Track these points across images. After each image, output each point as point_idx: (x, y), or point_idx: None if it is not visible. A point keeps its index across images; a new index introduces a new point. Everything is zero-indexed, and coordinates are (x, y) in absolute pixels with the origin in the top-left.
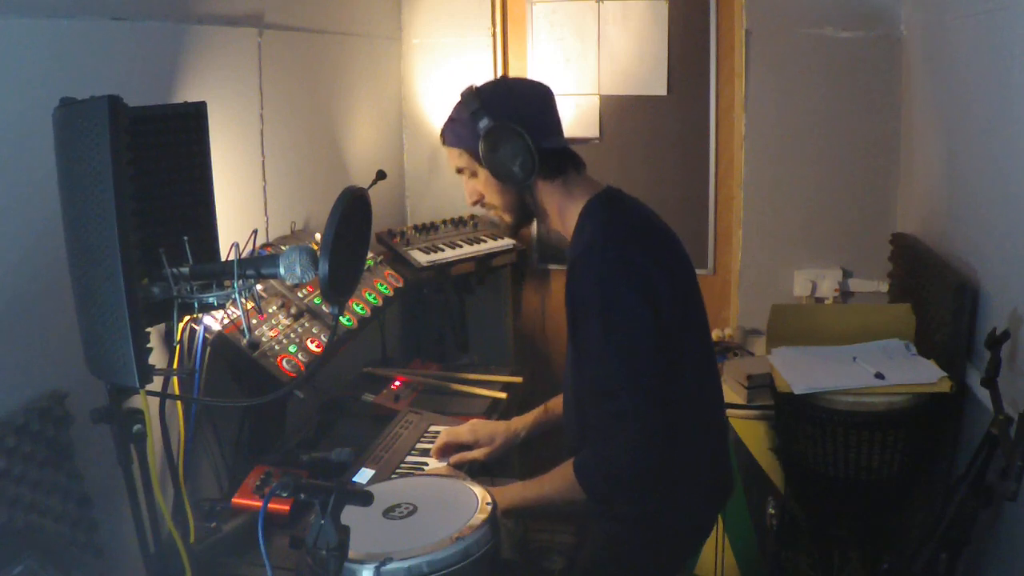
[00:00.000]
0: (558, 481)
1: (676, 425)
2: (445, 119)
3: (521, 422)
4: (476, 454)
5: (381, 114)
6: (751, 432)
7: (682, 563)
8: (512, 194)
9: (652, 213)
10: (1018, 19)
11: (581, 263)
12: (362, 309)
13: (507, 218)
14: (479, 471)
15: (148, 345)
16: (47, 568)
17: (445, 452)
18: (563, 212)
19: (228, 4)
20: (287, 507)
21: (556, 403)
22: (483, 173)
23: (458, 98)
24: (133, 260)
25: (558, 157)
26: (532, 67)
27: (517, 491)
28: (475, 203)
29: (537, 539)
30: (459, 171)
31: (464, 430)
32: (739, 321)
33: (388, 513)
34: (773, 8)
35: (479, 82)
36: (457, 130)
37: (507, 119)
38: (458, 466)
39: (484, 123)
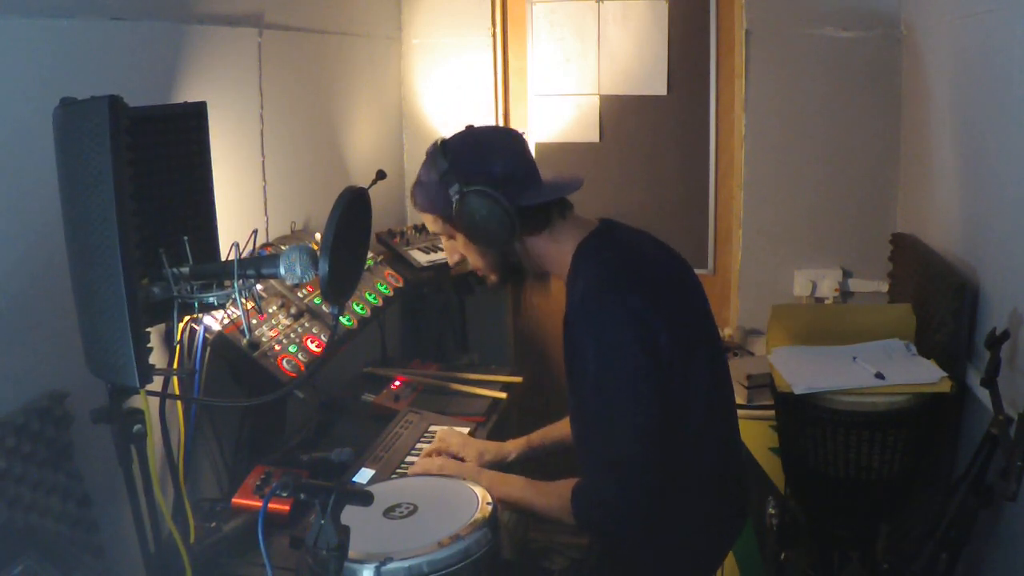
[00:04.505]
0: (555, 499)
1: (678, 460)
2: (414, 182)
3: (513, 445)
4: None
5: (381, 114)
6: (751, 432)
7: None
8: (494, 254)
9: (649, 242)
10: (1018, 19)
11: (578, 312)
12: (362, 309)
13: (492, 278)
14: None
15: (148, 345)
16: (47, 568)
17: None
18: (554, 260)
19: (228, 4)
20: (287, 507)
21: (549, 432)
22: (461, 236)
23: (424, 156)
24: (133, 260)
25: (540, 210)
26: (532, 67)
27: (517, 488)
28: (456, 264)
29: (537, 539)
30: (436, 234)
31: (456, 441)
32: (739, 321)
33: (388, 513)
34: (773, 8)
35: (447, 135)
36: (428, 194)
37: (479, 182)
38: None
39: (455, 189)
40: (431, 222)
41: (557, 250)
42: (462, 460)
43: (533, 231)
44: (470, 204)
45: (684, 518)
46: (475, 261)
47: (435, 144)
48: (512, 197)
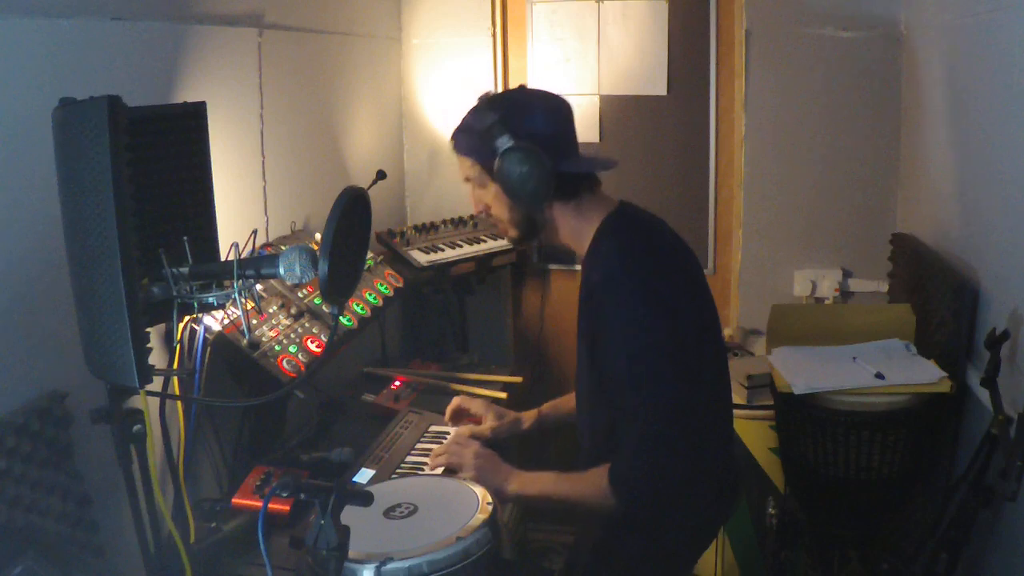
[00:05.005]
0: (589, 487)
1: (693, 441)
2: (459, 123)
3: (527, 414)
4: (483, 428)
5: (381, 114)
6: (751, 432)
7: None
8: (521, 212)
9: (664, 227)
10: (1018, 19)
11: (603, 291)
12: (362, 309)
13: (512, 233)
14: (513, 457)
15: (148, 345)
16: (47, 568)
17: (456, 416)
18: (575, 232)
19: (228, 4)
20: (287, 507)
21: (560, 404)
22: (493, 187)
23: (474, 102)
24: (133, 260)
25: (574, 180)
26: (532, 67)
27: (549, 483)
28: (479, 213)
29: (537, 539)
30: (467, 180)
31: (478, 402)
32: (739, 321)
33: (388, 513)
34: (773, 8)
35: (496, 89)
36: (471, 141)
37: (527, 139)
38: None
39: (502, 141)
40: (467, 167)
41: (580, 223)
42: (483, 420)
43: (563, 198)
44: (514, 159)
45: (682, 525)
46: (500, 213)
47: (487, 94)
48: (554, 161)
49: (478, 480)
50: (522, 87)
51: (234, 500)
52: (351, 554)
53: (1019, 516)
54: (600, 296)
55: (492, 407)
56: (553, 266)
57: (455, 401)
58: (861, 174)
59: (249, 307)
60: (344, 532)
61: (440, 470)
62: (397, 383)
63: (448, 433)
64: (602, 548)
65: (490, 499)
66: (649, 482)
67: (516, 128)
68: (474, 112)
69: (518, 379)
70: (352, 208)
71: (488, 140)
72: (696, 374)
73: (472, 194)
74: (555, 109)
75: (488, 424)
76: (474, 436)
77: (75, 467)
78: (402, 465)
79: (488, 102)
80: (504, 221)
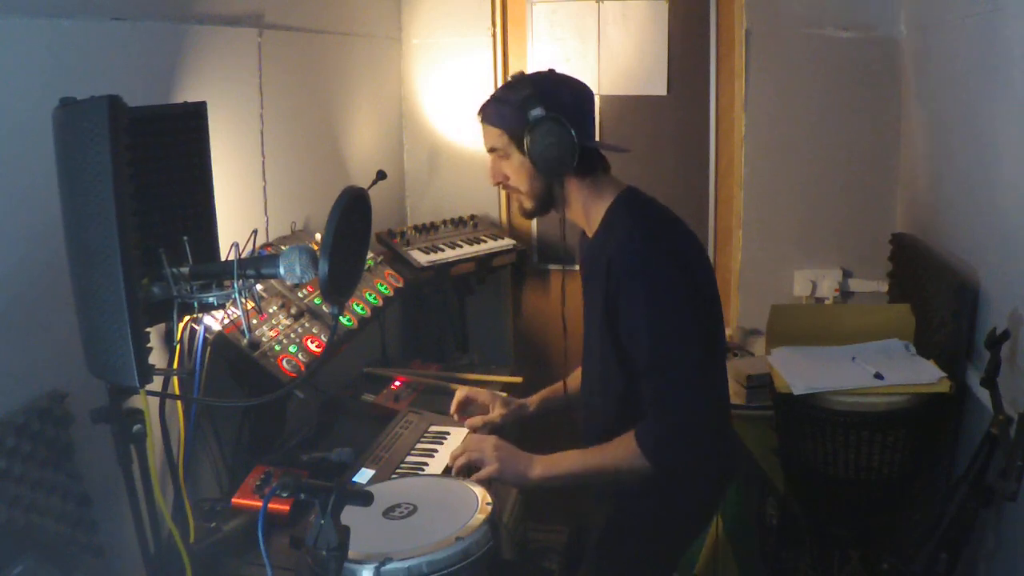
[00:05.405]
0: (621, 452)
1: (710, 398)
2: (488, 97)
3: (531, 399)
4: (493, 416)
5: (381, 114)
6: (751, 432)
7: (687, 544)
8: (541, 182)
9: (669, 210)
10: (1016, 20)
11: (622, 256)
12: (362, 309)
13: (528, 204)
14: (532, 440)
15: (148, 345)
16: (47, 568)
17: (463, 408)
18: (588, 207)
19: (228, 4)
20: (287, 507)
21: (557, 387)
22: (517, 157)
23: (507, 83)
24: (133, 260)
25: (592, 156)
26: (532, 67)
27: (576, 459)
28: (498, 183)
29: (537, 539)
30: (491, 150)
31: (484, 391)
32: (739, 321)
33: (388, 513)
34: (773, 8)
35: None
36: (503, 111)
37: (557, 112)
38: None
39: (536, 112)
40: (494, 137)
41: (593, 199)
42: (490, 409)
43: (581, 173)
44: (544, 128)
45: (685, 523)
46: (520, 183)
47: (520, 73)
48: (578, 135)
49: (502, 471)
50: (551, 70)
51: (234, 500)
52: (351, 554)
53: (1019, 516)
54: (620, 268)
55: (498, 396)
56: (553, 266)
57: (460, 392)
58: (861, 174)
59: (249, 307)
60: (344, 532)
61: (441, 470)
62: (397, 383)
63: (448, 433)
64: (605, 541)
65: (490, 499)
66: (676, 439)
67: (548, 102)
68: (507, 87)
69: (518, 379)
70: (352, 208)
71: (521, 110)
72: (709, 336)
73: (492, 165)
74: (580, 90)
75: (497, 411)
76: (486, 424)
77: (75, 467)
78: (402, 465)
79: (522, 78)
80: (523, 192)
